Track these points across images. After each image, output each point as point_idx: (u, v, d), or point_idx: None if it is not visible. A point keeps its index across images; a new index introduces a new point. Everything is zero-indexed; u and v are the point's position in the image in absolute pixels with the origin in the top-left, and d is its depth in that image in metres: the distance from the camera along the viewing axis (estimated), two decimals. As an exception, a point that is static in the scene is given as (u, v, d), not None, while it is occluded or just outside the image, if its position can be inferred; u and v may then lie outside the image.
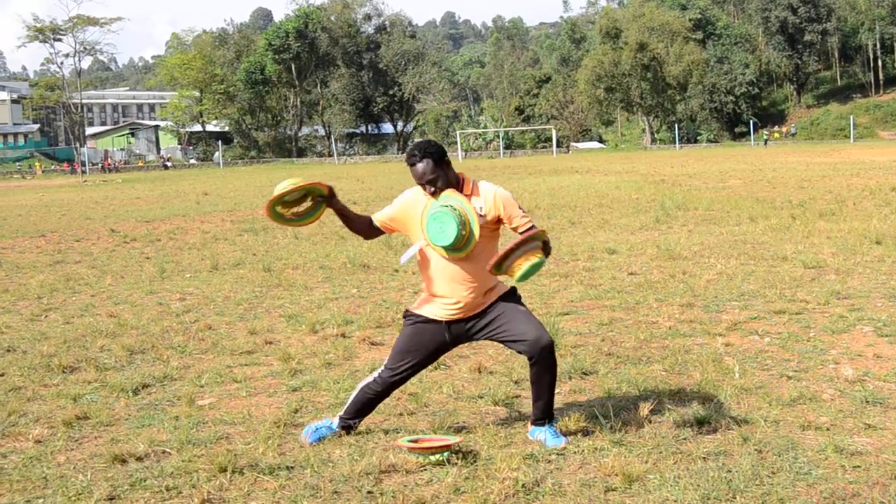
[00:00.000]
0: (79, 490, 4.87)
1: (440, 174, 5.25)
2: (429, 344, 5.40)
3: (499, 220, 5.31)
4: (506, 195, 5.34)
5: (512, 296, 5.45)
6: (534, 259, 5.09)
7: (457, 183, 5.32)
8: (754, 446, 5.11)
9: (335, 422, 5.58)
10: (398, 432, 5.60)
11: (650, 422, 5.60)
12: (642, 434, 5.38)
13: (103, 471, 5.16)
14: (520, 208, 5.35)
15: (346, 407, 5.61)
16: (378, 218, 5.60)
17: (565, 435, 5.36)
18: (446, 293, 5.31)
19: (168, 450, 5.45)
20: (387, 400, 6.29)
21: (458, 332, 5.41)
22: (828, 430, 5.39)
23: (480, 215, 5.22)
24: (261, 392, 6.76)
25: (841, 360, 7.02)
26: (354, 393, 5.59)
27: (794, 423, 5.51)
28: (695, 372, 6.71)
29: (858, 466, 4.79)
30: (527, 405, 6.16)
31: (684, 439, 5.29)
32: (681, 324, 8.41)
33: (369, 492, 4.68)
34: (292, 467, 5.09)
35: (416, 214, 5.36)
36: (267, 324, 9.21)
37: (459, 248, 5.15)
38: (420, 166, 5.24)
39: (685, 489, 4.52)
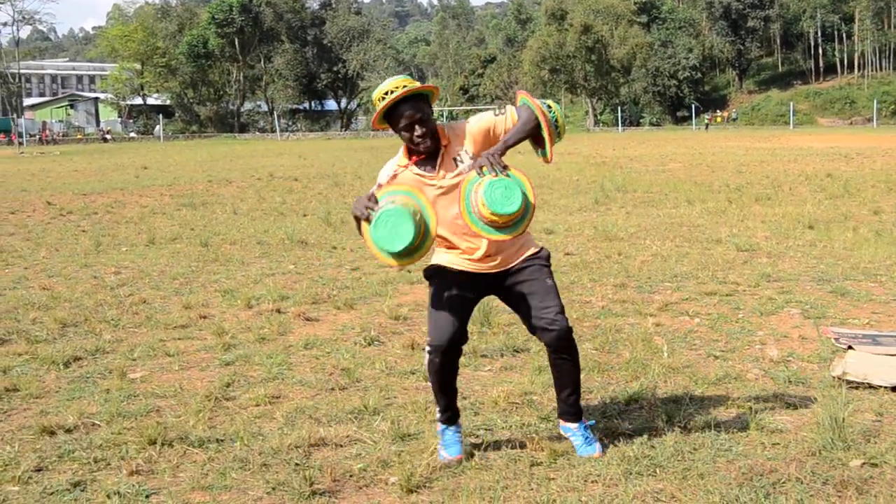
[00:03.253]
0: (6, 461, 4.85)
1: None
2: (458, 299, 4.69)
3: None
4: (470, 122, 4.67)
5: (544, 260, 4.81)
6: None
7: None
8: (678, 423, 5.20)
9: (441, 428, 4.91)
10: (330, 406, 5.63)
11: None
12: (570, 410, 5.45)
13: (31, 442, 5.14)
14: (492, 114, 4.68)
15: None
16: None
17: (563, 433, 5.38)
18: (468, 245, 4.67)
19: (97, 422, 5.44)
20: (319, 375, 6.35)
21: (486, 285, 4.78)
22: (750, 408, 5.51)
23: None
24: (193, 366, 6.75)
25: (767, 341, 7.17)
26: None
27: (719, 401, 5.63)
28: (625, 351, 6.81)
29: (777, 444, 4.90)
30: (459, 380, 6.20)
31: (611, 416, 5.38)
32: (613, 304, 8.52)
33: (297, 464, 4.71)
34: (222, 440, 5.10)
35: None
36: (202, 298, 9.18)
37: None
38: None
39: (608, 464, 4.61)
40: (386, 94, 4.41)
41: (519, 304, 4.76)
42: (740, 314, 8.05)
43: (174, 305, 8.88)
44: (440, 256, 4.79)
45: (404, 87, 4.42)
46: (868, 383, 5.94)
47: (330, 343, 7.29)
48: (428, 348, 4.71)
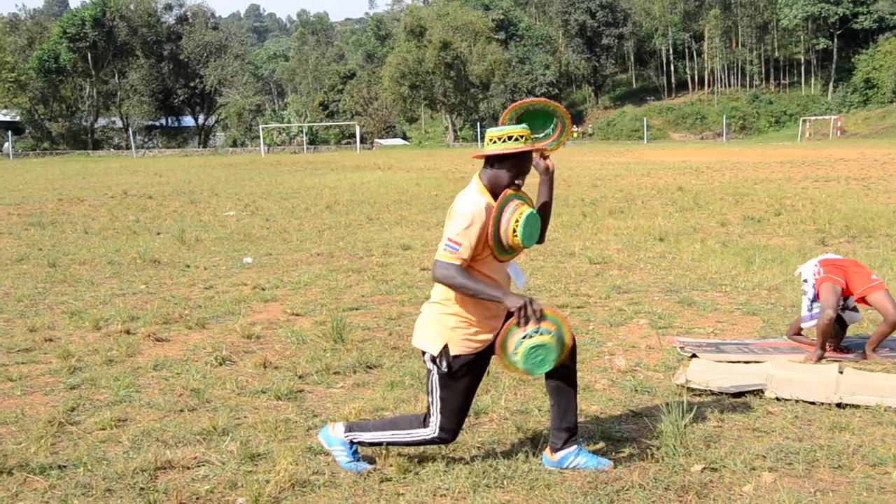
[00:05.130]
0: None
1: None
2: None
3: None
4: None
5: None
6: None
7: None
8: (527, 435, 5.28)
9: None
10: (178, 428, 5.53)
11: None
12: (420, 425, 5.47)
13: None
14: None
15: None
16: (465, 257, 4.54)
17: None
18: (497, 321, 4.75)
19: (-69, 452, 5.22)
20: (168, 396, 6.23)
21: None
22: (598, 418, 5.63)
23: None
24: (36, 390, 6.55)
25: (616, 351, 7.34)
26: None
27: (567, 412, 5.72)
28: (477, 364, 6.86)
29: (623, 452, 5.02)
30: (311, 398, 6.18)
31: (462, 429, 5.41)
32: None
33: (142, 489, 4.62)
34: (65, 466, 4.96)
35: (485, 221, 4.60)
36: (48, 320, 8.91)
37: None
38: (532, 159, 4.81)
39: (457, 477, 4.64)
40: (511, 138, 4.62)
41: None
42: (591, 326, 8.22)
43: (18, 328, 8.59)
44: (464, 340, 4.66)
45: (525, 139, 4.65)
46: (710, 390, 6.13)
47: (180, 363, 7.16)
48: (440, 433, 4.73)
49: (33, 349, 7.78)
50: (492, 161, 4.68)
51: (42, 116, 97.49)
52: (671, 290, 9.93)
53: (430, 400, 4.73)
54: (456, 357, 4.63)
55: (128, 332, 8.25)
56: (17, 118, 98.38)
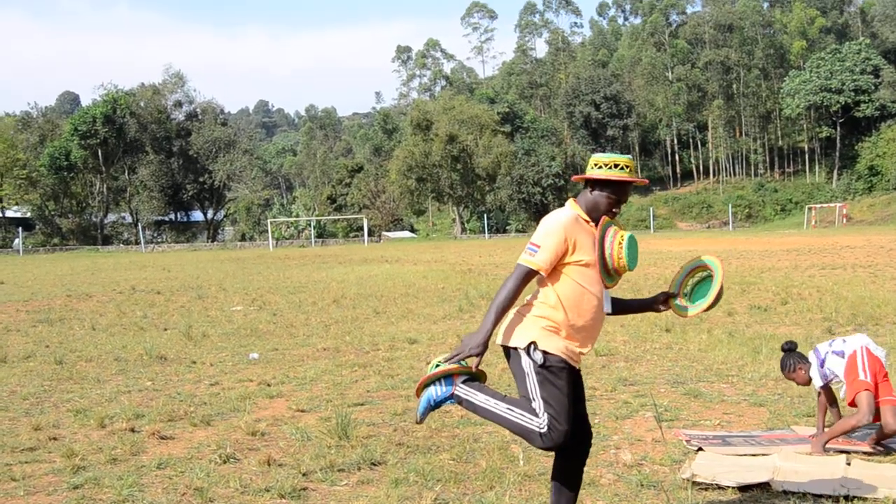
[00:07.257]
0: None
1: None
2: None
3: None
4: None
5: None
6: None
7: None
8: (532, 532, 5.24)
9: None
10: (180, 529, 5.50)
11: (434, 511, 5.68)
12: (424, 523, 5.44)
13: None
14: None
15: None
16: (540, 265, 4.75)
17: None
18: (590, 336, 4.85)
19: (-68, 555, 5.20)
20: (171, 496, 6.20)
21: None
22: (603, 514, 5.59)
23: None
24: (39, 490, 6.52)
25: (622, 445, 7.30)
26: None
27: (572, 508, 5.68)
28: (482, 460, 6.84)
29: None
30: (314, 496, 6.15)
31: (465, 527, 5.38)
32: (472, 413, 8.54)
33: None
34: (66, 569, 4.93)
35: (588, 237, 4.74)
36: (53, 419, 8.89)
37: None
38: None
39: (460, 577, 4.60)
40: (616, 166, 4.77)
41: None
42: (597, 419, 8.18)
43: (23, 427, 8.57)
44: (555, 343, 4.69)
45: (629, 170, 4.79)
46: (716, 484, 6.09)
47: (184, 462, 7.13)
48: (549, 430, 4.55)
49: (37, 448, 7.76)
50: (593, 185, 4.81)
51: (52, 212, 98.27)
52: (678, 381, 9.91)
53: (536, 405, 4.60)
54: (548, 353, 4.64)
55: (132, 429, 8.23)
56: (28, 214, 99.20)
